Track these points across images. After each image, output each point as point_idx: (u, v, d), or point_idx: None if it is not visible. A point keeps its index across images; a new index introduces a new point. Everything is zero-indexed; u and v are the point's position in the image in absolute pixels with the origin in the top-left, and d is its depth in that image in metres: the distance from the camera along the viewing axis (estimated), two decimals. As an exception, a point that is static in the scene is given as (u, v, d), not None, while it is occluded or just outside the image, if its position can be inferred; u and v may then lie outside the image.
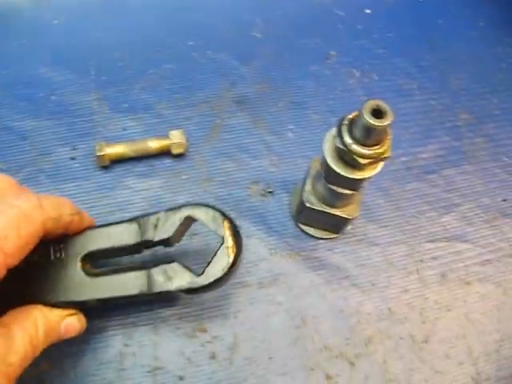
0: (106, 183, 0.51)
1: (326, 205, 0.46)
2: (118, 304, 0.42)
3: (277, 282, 0.48)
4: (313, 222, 0.49)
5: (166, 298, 0.46)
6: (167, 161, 0.53)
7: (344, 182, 0.42)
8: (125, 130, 0.54)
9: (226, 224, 0.38)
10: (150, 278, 0.37)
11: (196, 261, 0.45)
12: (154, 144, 0.51)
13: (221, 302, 0.47)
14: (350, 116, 0.39)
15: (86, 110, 0.55)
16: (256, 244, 0.49)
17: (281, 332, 0.47)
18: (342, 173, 0.40)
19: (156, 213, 0.39)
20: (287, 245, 0.50)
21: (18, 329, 0.32)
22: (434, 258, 0.52)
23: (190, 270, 0.38)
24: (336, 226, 0.49)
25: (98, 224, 0.41)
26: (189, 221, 0.39)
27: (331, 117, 0.56)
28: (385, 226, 0.52)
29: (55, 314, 0.36)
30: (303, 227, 0.50)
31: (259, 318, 0.47)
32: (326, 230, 0.50)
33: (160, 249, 0.41)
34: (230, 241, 0.38)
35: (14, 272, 0.30)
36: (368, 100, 0.37)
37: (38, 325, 0.34)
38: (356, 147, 0.38)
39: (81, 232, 0.38)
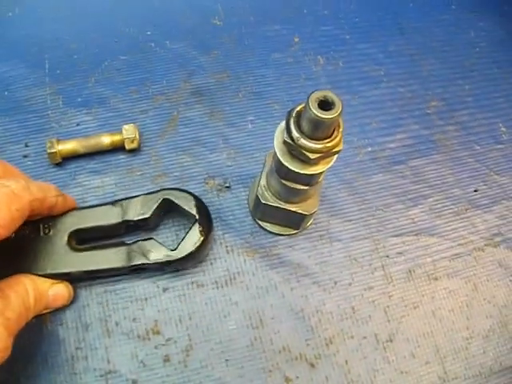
0: (58, 181, 0.48)
1: (282, 200, 0.43)
2: (101, 277, 0.44)
3: (233, 281, 0.45)
4: (270, 217, 0.46)
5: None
6: (121, 156, 0.49)
7: (297, 178, 0.39)
8: (78, 125, 0.50)
9: (197, 204, 0.43)
10: (129, 253, 0.42)
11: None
12: (106, 139, 0.48)
13: (175, 303, 0.44)
14: (298, 108, 0.35)
15: (40, 105, 0.51)
16: (212, 242, 0.46)
17: (237, 333, 0.44)
18: (294, 168, 0.37)
19: (137, 196, 0.43)
20: (245, 242, 0.47)
21: (11, 291, 0.35)
22: (400, 253, 0.49)
23: (166, 246, 0.42)
24: (294, 221, 0.45)
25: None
26: (165, 203, 0.43)
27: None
28: (348, 221, 0.49)
29: (43, 281, 0.40)
30: (261, 223, 0.47)
31: (215, 319, 0.44)
32: (285, 226, 0.47)
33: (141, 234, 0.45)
34: (200, 219, 0.42)
35: (6, 245, 0.35)
36: (314, 91, 0.33)
37: (29, 290, 0.37)
38: (304, 141, 0.34)
39: (67, 212, 0.42)
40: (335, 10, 0.60)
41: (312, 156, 0.35)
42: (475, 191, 0.53)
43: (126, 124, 0.48)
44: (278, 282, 0.46)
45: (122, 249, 0.42)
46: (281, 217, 0.45)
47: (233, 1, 0.59)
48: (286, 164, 0.37)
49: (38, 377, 0.41)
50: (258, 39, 0.57)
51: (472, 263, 0.49)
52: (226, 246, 0.47)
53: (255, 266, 0.46)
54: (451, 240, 0.50)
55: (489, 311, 0.47)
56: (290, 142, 0.35)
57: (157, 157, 0.49)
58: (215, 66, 0.54)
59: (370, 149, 0.53)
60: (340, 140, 0.35)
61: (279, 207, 0.43)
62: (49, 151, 0.47)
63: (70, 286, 0.43)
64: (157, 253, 0.41)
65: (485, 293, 0.48)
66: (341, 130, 0.35)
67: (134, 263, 0.41)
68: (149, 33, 0.56)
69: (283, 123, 0.38)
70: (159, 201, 0.43)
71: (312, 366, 0.43)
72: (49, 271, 0.40)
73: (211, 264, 0.46)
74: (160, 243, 0.42)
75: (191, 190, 0.47)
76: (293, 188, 0.40)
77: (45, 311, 0.41)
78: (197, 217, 0.43)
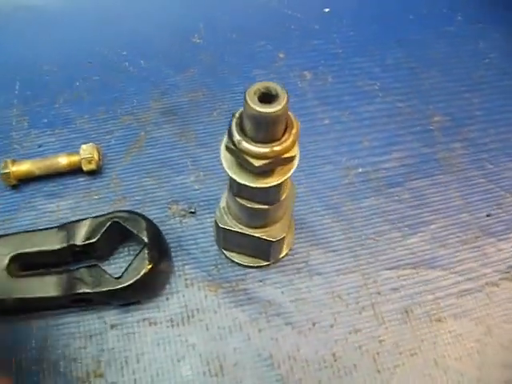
0: (12, 204, 0.43)
1: (243, 225, 0.36)
2: (39, 308, 0.38)
3: (191, 319, 0.38)
4: (235, 246, 0.39)
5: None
6: (80, 179, 0.44)
7: (251, 194, 0.32)
8: (40, 146, 0.46)
9: (148, 227, 0.38)
10: (70, 281, 0.37)
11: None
12: (63, 160, 0.43)
13: (122, 343, 0.37)
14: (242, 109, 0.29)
15: (6, 126, 0.48)
16: (168, 273, 0.39)
17: (193, 381, 0.36)
18: (242, 181, 0.31)
19: (84, 219, 0.39)
20: (207, 275, 0.40)
21: None
22: (395, 289, 0.40)
23: (110, 275, 0.37)
24: (262, 251, 0.38)
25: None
26: (115, 227, 0.39)
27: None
28: (332, 251, 0.41)
29: None
30: (227, 253, 0.40)
31: (167, 362, 0.37)
32: (253, 256, 0.40)
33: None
34: (150, 244, 0.37)
35: None
36: (255, 83, 0.27)
37: None
38: (246, 145, 0.28)
39: (10, 235, 0.39)
40: (327, 24, 0.55)
41: (257, 163, 0.28)
42: (488, 216, 0.43)
43: (85, 144, 0.43)
44: (243, 321, 0.38)
45: (63, 276, 0.37)
46: (246, 245, 0.38)
47: (216, 19, 0.54)
48: (233, 177, 0.31)
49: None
50: (239, 56, 0.52)
51: (484, 301, 0.39)
52: (186, 279, 0.40)
53: (218, 302, 0.39)
54: (458, 273, 0.41)
55: (505, 360, 0.37)
56: (231, 147, 0.29)
57: (118, 179, 0.44)
58: (190, 84, 0.49)
59: (360, 170, 0.45)
60: (293, 143, 0.29)
61: (240, 232, 0.36)
62: (2, 172, 0.42)
63: None
64: (99, 281, 0.36)
65: (500, 337, 0.38)
66: (294, 131, 0.29)
67: (73, 292, 0.36)
68: (124, 53, 0.52)
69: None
70: (107, 224, 0.38)
71: (281, 426, 0.35)
72: None
73: (167, 299, 0.39)
74: (104, 271, 0.37)
75: (152, 215, 0.41)
76: (250, 208, 0.33)
77: None
78: (146, 241, 0.37)
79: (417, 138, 0.48)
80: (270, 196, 0.32)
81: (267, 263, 0.40)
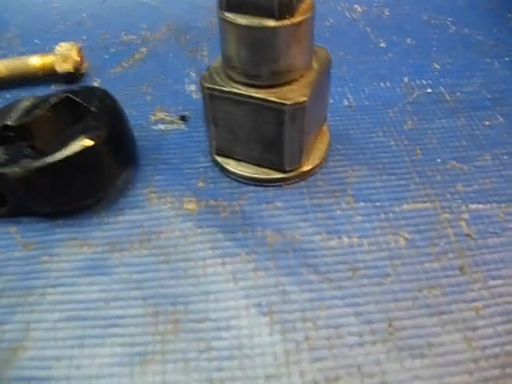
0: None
1: (240, 84, 0.22)
2: None
3: (145, 244, 0.22)
4: (231, 142, 0.24)
5: None
6: (53, 88, 0.33)
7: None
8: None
9: (102, 98, 0.25)
10: None
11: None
12: (35, 61, 0.33)
13: (30, 267, 0.22)
14: None
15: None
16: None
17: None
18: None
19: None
20: (186, 189, 0.25)
21: None
22: (497, 234, 0.22)
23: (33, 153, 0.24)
24: (272, 143, 0.23)
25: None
26: (63, 105, 0.26)
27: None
28: (391, 174, 0.25)
29: None
30: (222, 161, 0.25)
31: (91, 302, 0.20)
32: (260, 162, 0.24)
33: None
34: (97, 114, 0.24)
35: None
36: None
37: None
38: None
39: None
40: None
41: None
42: None
43: (66, 42, 0.33)
44: (231, 259, 0.22)
45: None
46: (247, 132, 0.23)
47: None
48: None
49: None
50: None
51: None
52: (152, 192, 0.24)
53: (194, 224, 0.23)
54: None
55: None
56: None
57: (104, 87, 0.32)
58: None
59: (429, 90, 0.31)
60: None
61: (236, 99, 0.22)
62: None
63: None
64: (15, 160, 0.23)
65: None
66: None
67: None
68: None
69: None
70: (54, 101, 0.26)
71: None
72: None
73: (116, 216, 0.24)
74: (28, 149, 0.23)
75: (133, 121, 0.28)
76: (250, 30, 0.20)
77: None
78: (93, 109, 0.24)
79: (508, 66, 0.33)
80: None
81: (282, 176, 0.24)
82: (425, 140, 0.27)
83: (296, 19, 0.20)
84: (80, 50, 0.33)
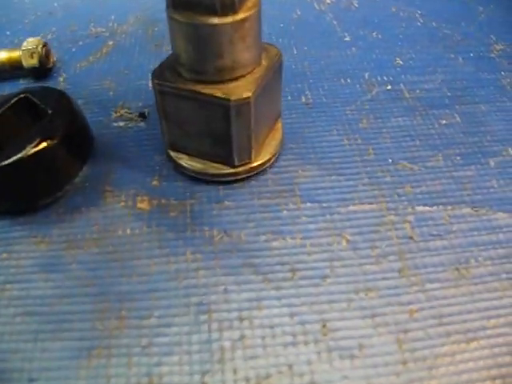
0: None
1: (188, 79, 0.22)
2: None
3: (100, 243, 0.22)
4: (183, 136, 0.24)
5: None
6: (22, 82, 0.32)
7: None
8: None
9: (58, 99, 0.25)
10: None
11: None
12: (1, 55, 0.32)
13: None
14: None
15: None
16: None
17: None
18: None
19: None
20: (141, 187, 0.24)
21: None
22: (440, 236, 0.22)
23: None
24: (220, 137, 0.23)
25: None
26: (20, 106, 0.25)
27: None
28: (340, 175, 0.25)
29: None
30: (175, 156, 0.25)
31: (46, 298, 0.21)
32: (210, 157, 0.24)
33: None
34: (52, 116, 0.24)
35: None
36: None
37: None
38: None
39: None
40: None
41: None
42: None
43: (33, 37, 0.32)
44: (178, 258, 0.22)
45: None
46: (197, 127, 0.23)
47: None
48: None
49: None
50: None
51: None
52: (107, 190, 0.24)
53: (146, 224, 0.23)
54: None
55: None
56: None
57: (66, 83, 0.31)
58: None
59: (389, 87, 0.30)
60: None
61: (184, 95, 0.21)
62: None
63: None
64: None
65: None
66: None
67: None
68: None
69: None
70: (12, 101, 0.25)
71: None
72: None
73: (71, 213, 0.24)
74: None
75: (93, 118, 0.28)
76: (193, 26, 0.19)
77: None
78: (49, 111, 0.24)
79: (471, 63, 0.32)
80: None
81: (232, 171, 0.24)
82: (378, 139, 0.27)
83: (239, 16, 0.20)
84: (46, 45, 0.32)
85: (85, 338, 0.20)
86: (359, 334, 0.19)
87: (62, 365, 0.19)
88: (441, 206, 0.24)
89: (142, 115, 0.28)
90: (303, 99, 0.29)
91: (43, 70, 0.32)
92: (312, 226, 0.23)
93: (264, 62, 0.23)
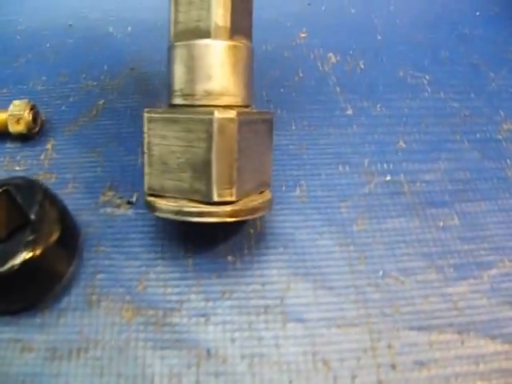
0: None
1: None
2: None
3: (83, 355, 0.23)
4: (163, 174, 0.24)
5: None
6: (8, 144, 0.32)
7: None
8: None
9: (42, 202, 0.25)
10: None
11: None
12: (-14, 118, 0.32)
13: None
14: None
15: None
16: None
17: None
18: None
19: None
20: (126, 292, 0.25)
21: None
22: (422, 364, 0.23)
23: None
24: (201, 168, 0.23)
25: None
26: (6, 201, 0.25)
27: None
28: (328, 288, 0.25)
29: None
30: (152, 201, 0.24)
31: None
32: (188, 190, 0.23)
33: None
34: (35, 224, 0.24)
35: None
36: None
37: None
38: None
39: None
40: (366, 4, 0.42)
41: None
42: None
43: (20, 100, 0.32)
44: (160, 376, 0.22)
45: None
46: (178, 157, 0.23)
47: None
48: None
49: None
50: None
51: None
52: (92, 293, 0.25)
53: (128, 337, 0.23)
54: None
55: None
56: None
57: (53, 151, 0.31)
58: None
59: (388, 177, 0.30)
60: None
61: (169, 118, 0.23)
62: None
63: None
64: None
65: None
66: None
67: None
68: (112, 18, 0.41)
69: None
70: None
71: None
72: None
73: (58, 316, 0.24)
74: None
75: (80, 201, 0.28)
76: (185, 48, 0.24)
77: None
78: (31, 218, 0.24)
79: (477, 147, 0.32)
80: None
81: (211, 210, 0.22)
82: (372, 245, 0.27)
83: (231, 42, 0.24)
84: (34, 108, 0.32)
85: None
86: None
87: None
88: (426, 331, 0.24)
89: (130, 202, 0.28)
90: (297, 191, 0.29)
91: (30, 135, 0.31)
92: (292, 350, 0.23)
93: (255, 110, 0.25)
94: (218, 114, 0.22)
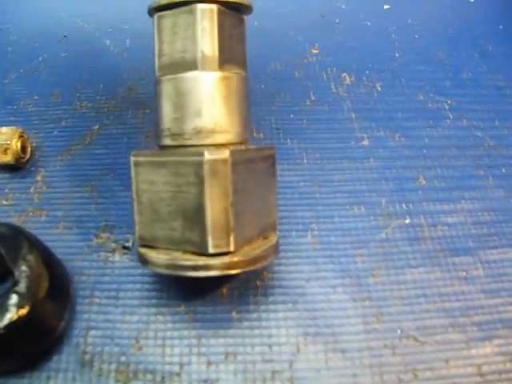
0: None
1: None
2: None
3: None
4: (154, 223, 0.22)
5: None
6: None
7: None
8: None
9: (28, 258, 0.23)
10: None
11: None
12: (-28, 147, 0.30)
13: None
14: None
15: None
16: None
17: None
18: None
19: None
20: (120, 352, 0.23)
21: None
22: None
23: None
24: (193, 216, 0.21)
25: None
26: None
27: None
28: (340, 351, 0.23)
29: None
30: (144, 252, 0.22)
31: None
32: (181, 243, 0.22)
33: None
34: (25, 284, 0.22)
35: None
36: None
37: None
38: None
39: None
40: (383, 21, 0.39)
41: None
42: None
43: (7, 127, 0.30)
44: None
45: None
46: (168, 205, 0.22)
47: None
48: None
49: None
50: (262, 46, 0.37)
51: None
52: (85, 353, 0.23)
53: None
54: None
55: None
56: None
57: (43, 183, 0.29)
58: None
59: (408, 221, 0.28)
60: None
61: (156, 161, 0.22)
62: None
63: None
64: None
65: None
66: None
67: None
68: (110, 29, 0.39)
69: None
70: None
71: None
72: None
73: (48, 378, 0.22)
74: None
75: (71, 243, 0.26)
76: (170, 82, 0.22)
77: None
78: (16, 276, 0.22)
79: (502, 184, 0.30)
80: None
81: (205, 263, 0.21)
82: (389, 301, 0.25)
83: (222, 73, 0.22)
84: (23, 136, 0.30)
85: None
86: None
87: None
88: (447, 400, 0.22)
89: (126, 247, 0.26)
90: (309, 237, 0.27)
91: (19, 164, 0.30)
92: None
93: (252, 147, 0.24)
94: (208, 155, 0.20)
